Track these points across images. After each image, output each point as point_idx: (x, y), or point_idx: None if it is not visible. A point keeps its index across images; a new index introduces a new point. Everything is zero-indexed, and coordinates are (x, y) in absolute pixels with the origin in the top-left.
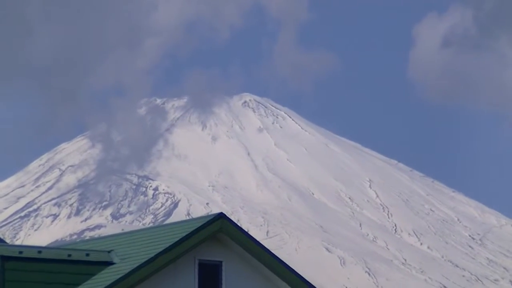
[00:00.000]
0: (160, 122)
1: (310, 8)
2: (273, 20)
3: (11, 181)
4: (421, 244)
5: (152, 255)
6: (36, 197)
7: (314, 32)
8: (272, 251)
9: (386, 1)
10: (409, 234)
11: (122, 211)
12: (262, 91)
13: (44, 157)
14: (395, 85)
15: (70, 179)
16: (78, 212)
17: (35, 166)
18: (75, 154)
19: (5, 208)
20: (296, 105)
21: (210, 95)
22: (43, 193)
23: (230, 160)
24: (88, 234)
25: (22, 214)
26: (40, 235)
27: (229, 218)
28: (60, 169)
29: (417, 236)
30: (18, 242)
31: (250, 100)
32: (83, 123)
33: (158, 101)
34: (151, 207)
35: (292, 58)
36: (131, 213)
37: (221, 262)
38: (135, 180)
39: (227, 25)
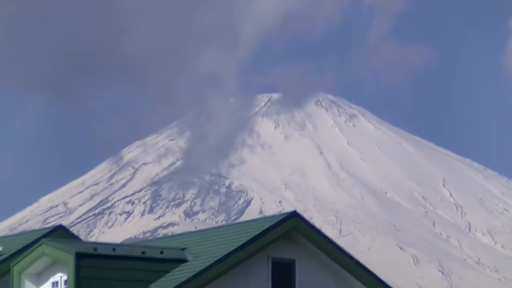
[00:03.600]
0: (247, 115)
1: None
2: (368, 12)
3: (85, 178)
4: (495, 243)
5: (225, 253)
6: (110, 195)
7: (409, 24)
8: (345, 250)
9: None
10: (483, 233)
11: (195, 209)
12: (351, 86)
13: (120, 153)
14: (488, 80)
15: (144, 177)
16: (151, 210)
17: (109, 163)
18: (150, 151)
19: (80, 206)
20: (375, 104)
21: (301, 91)
22: (117, 190)
23: (303, 158)
24: (161, 232)
25: (96, 211)
26: (114, 232)
27: (302, 217)
28: (133, 167)
29: (491, 235)
30: (92, 239)
31: (323, 98)
32: (172, 116)
33: (249, 94)
34: (224, 205)
35: (386, 51)
36: (204, 211)
37: (294, 260)
38: (208, 178)
39: (324, 18)
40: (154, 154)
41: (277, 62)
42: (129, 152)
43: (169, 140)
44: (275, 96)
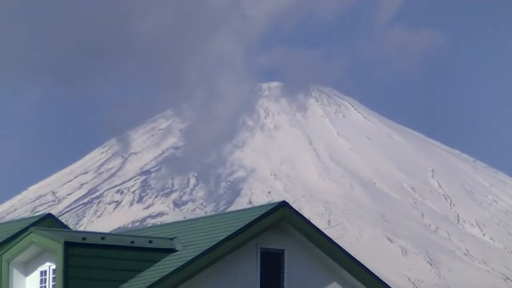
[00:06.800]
0: (247, 102)
1: None
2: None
3: (74, 167)
4: (484, 235)
5: (214, 242)
6: (99, 184)
7: (418, 10)
8: (334, 240)
9: None
10: (471, 224)
11: (184, 198)
12: (358, 74)
13: (108, 143)
14: (492, 70)
15: (134, 166)
16: (140, 199)
17: (98, 153)
18: (140, 140)
19: (68, 195)
20: (376, 93)
21: (306, 80)
22: (106, 180)
23: (292, 149)
24: (150, 222)
25: (85, 200)
26: (103, 222)
27: (291, 207)
28: (123, 156)
29: (479, 227)
30: (81, 229)
31: (313, 89)
32: (180, 100)
33: (253, 78)
34: (213, 195)
35: (395, 37)
36: (193, 200)
37: (283, 250)
38: (198, 167)
39: (336, 2)
40: (148, 142)
41: (285, 46)
42: (127, 139)
43: (158, 130)
44: (277, 84)
